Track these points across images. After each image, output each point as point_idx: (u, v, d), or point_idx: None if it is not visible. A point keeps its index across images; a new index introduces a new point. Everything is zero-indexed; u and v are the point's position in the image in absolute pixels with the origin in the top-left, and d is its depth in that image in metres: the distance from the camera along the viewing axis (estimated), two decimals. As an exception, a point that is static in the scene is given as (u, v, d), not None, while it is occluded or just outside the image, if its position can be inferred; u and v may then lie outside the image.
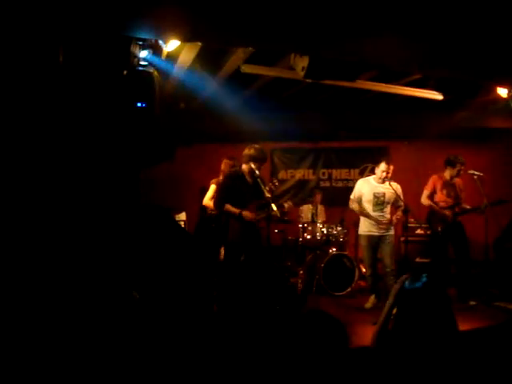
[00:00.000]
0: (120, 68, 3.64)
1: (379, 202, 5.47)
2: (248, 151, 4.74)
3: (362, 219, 5.57)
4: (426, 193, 5.94)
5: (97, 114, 3.38)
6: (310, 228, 6.37)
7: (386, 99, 6.71)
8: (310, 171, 8.20)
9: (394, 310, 2.37)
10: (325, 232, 6.34)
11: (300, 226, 6.43)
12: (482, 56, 4.15)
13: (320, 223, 6.46)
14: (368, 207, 5.51)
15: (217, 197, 4.84)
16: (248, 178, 4.80)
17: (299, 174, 8.16)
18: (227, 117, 6.55)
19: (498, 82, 5.11)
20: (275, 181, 4.92)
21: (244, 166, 4.82)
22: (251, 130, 6.79)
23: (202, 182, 7.01)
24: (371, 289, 5.61)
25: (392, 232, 5.52)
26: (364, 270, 5.94)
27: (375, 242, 5.48)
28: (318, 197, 7.18)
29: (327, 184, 8.17)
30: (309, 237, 6.32)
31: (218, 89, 5.91)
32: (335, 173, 8.18)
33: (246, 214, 4.62)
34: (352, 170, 8.13)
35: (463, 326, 4.83)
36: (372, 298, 5.54)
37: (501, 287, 6.02)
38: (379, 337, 2.34)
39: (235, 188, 4.72)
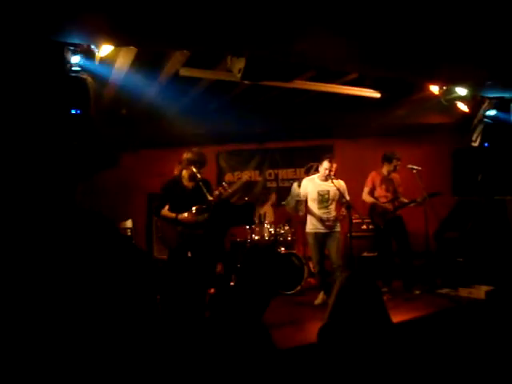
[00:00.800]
0: (53, 74, 3.54)
1: (324, 199, 5.58)
2: (186, 155, 4.68)
3: (309, 217, 5.66)
4: (366, 190, 6.12)
5: (28, 121, 3.27)
6: (257, 229, 6.41)
7: (329, 98, 6.85)
8: (257, 172, 8.26)
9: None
10: (272, 232, 6.39)
11: (247, 227, 6.44)
12: (413, 55, 4.31)
13: (267, 224, 6.51)
14: (313, 205, 5.60)
15: (155, 204, 4.76)
16: (186, 183, 4.73)
17: (246, 175, 8.19)
18: (171, 121, 6.51)
19: (429, 80, 5.32)
20: (225, 184, 4.86)
21: (184, 172, 4.75)
22: (196, 134, 6.78)
23: (149, 189, 6.93)
24: (320, 285, 5.70)
25: (338, 229, 5.64)
26: (312, 267, 6.04)
27: (322, 239, 5.58)
28: (273, 197, 7.28)
29: (274, 184, 8.25)
30: (257, 238, 6.36)
31: (160, 93, 5.86)
32: (281, 173, 8.26)
33: (183, 216, 4.53)
34: (298, 170, 8.23)
35: (409, 315, 5.05)
36: (321, 294, 5.63)
37: (443, 275, 6.28)
38: (321, 333, 2.40)
39: (173, 194, 4.65)
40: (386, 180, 6.10)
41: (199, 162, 4.63)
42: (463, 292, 5.71)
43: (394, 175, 6.16)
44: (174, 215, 4.56)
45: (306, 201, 5.68)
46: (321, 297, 5.61)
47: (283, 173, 8.29)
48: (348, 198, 5.61)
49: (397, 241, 6.05)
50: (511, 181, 6.39)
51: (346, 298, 2.34)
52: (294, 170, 8.29)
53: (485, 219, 6.39)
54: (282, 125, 7.47)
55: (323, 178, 5.56)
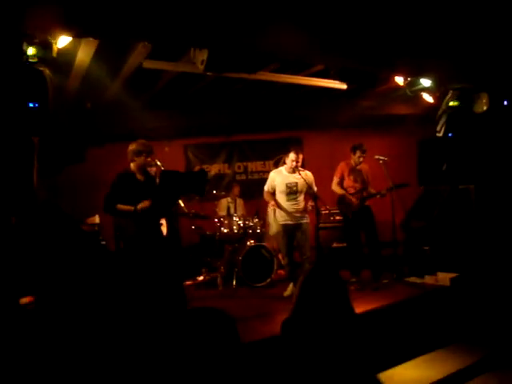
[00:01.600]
0: (7, 66, 3.43)
1: (292, 191, 5.59)
2: (131, 147, 4.55)
3: (277, 209, 5.66)
4: (335, 180, 6.15)
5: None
6: (226, 222, 6.38)
7: (297, 90, 6.85)
8: (226, 165, 8.22)
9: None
10: (242, 225, 6.38)
11: (216, 220, 6.42)
12: (376, 47, 4.35)
13: (236, 216, 6.50)
14: (282, 197, 5.61)
15: (106, 199, 4.51)
16: (138, 176, 4.59)
17: (215, 168, 8.16)
18: (136, 115, 6.41)
19: (393, 72, 5.37)
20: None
21: (132, 165, 4.58)
22: (163, 127, 6.70)
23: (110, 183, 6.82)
24: (289, 277, 5.73)
25: (307, 220, 5.66)
26: (282, 259, 6.06)
27: (291, 231, 5.60)
28: (236, 190, 7.21)
29: (243, 177, 8.23)
30: (226, 231, 6.34)
31: (125, 86, 5.77)
32: (250, 165, 8.26)
33: (141, 204, 4.36)
34: (267, 162, 8.25)
35: (377, 303, 5.12)
36: (290, 286, 5.65)
37: (410, 264, 6.38)
38: (285, 325, 2.40)
39: (125, 188, 4.46)
40: (355, 171, 6.15)
41: (145, 151, 4.48)
42: (429, 280, 5.83)
43: (363, 166, 6.20)
44: (132, 207, 4.37)
45: (273, 193, 5.69)
46: (290, 288, 5.64)
47: (252, 165, 8.29)
48: (315, 189, 5.63)
49: (365, 231, 6.11)
50: (474, 170, 6.53)
51: (310, 290, 2.34)
52: (263, 162, 8.30)
53: (450, 208, 6.51)
54: (250, 117, 7.45)
55: (290, 169, 5.57)
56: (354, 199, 5.99)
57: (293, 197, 5.59)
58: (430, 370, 4.15)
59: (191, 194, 4.67)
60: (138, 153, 4.51)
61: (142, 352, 2.83)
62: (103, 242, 5.87)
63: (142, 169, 4.56)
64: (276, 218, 5.77)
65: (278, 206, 5.61)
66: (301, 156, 5.55)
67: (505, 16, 3.91)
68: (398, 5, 3.68)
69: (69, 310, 2.79)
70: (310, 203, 5.58)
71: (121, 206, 4.45)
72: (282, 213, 5.61)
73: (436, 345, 4.53)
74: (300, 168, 5.56)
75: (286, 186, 5.58)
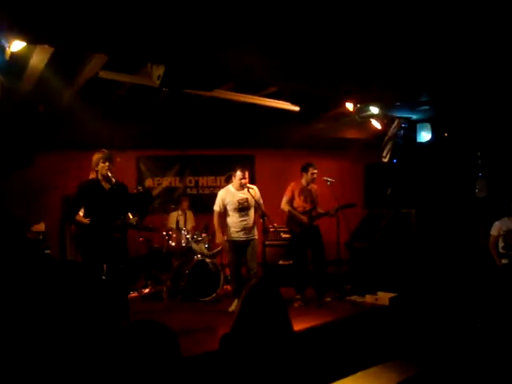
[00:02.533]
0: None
1: (244, 207, 5.70)
2: (94, 157, 4.60)
3: (228, 226, 5.75)
4: (285, 199, 6.29)
5: None
6: (174, 235, 6.40)
7: (251, 109, 6.98)
8: (177, 179, 8.22)
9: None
10: (190, 239, 6.41)
11: (164, 233, 6.41)
12: (327, 73, 4.55)
13: (185, 230, 6.52)
14: (234, 215, 5.70)
15: (68, 207, 4.60)
16: (104, 185, 4.60)
17: (166, 181, 8.14)
18: (89, 124, 6.32)
19: (343, 98, 5.61)
20: (140, 187, 4.81)
21: (98, 175, 4.61)
22: (116, 137, 6.64)
23: (63, 191, 6.70)
24: (235, 292, 5.79)
25: (256, 236, 5.78)
26: (229, 274, 6.11)
27: (241, 247, 5.69)
28: (185, 203, 7.22)
29: (194, 191, 8.25)
30: (173, 244, 6.34)
31: (79, 94, 5.71)
32: (202, 180, 8.28)
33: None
34: (218, 178, 8.31)
35: (318, 321, 5.24)
36: (235, 301, 5.70)
37: (352, 283, 6.59)
38: (223, 341, 2.46)
39: (89, 196, 4.52)
40: (305, 191, 6.30)
41: (105, 158, 4.52)
42: (370, 299, 6.05)
43: (313, 186, 6.38)
44: (86, 220, 4.46)
45: (224, 212, 5.77)
46: (235, 304, 5.69)
47: (203, 180, 8.33)
48: (261, 202, 5.78)
49: (312, 249, 6.27)
50: (416, 195, 6.87)
51: (251, 305, 2.40)
52: (214, 177, 8.35)
53: (392, 230, 6.79)
54: (204, 133, 7.52)
55: (238, 187, 5.69)
56: (304, 218, 6.15)
57: (244, 212, 5.70)
58: (369, 384, 4.31)
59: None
60: (96, 162, 4.55)
61: (80, 364, 2.81)
62: (48, 251, 5.74)
63: (106, 177, 4.55)
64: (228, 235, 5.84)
65: (230, 222, 5.72)
66: (246, 173, 5.69)
67: (448, 51, 4.15)
68: (349, 37, 3.87)
69: (8, 317, 2.74)
70: (260, 220, 5.70)
71: (79, 218, 4.54)
72: (233, 229, 5.70)
73: (374, 361, 4.70)
74: (248, 184, 5.69)
75: (238, 202, 5.68)
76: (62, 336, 3.18)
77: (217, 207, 5.80)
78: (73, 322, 3.58)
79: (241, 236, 5.68)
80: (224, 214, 5.78)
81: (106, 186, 4.60)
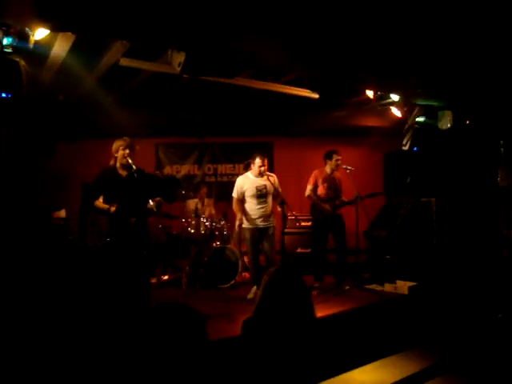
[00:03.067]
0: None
1: (262, 194, 5.69)
2: (114, 144, 4.64)
3: (247, 213, 5.76)
4: (309, 187, 6.27)
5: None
6: (193, 222, 6.43)
7: (271, 97, 6.94)
8: (196, 166, 8.25)
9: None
10: (208, 226, 6.44)
11: (183, 220, 6.45)
12: (348, 61, 4.49)
13: (204, 217, 6.54)
14: (252, 202, 5.70)
15: (86, 195, 4.66)
16: (121, 172, 4.66)
17: (185, 169, 8.18)
18: (109, 111, 6.38)
19: (364, 85, 5.55)
20: (158, 172, 4.83)
21: (117, 162, 4.66)
22: (135, 125, 6.67)
23: (84, 178, 6.77)
24: (253, 280, 5.81)
25: (274, 224, 5.78)
26: (247, 262, 6.13)
27: (258, 235, 5.69)
28: (203, 191, 7.25)
29: (213, 179, 8.28)
30: (192, 231, 6.38)
31: (100, 81, 5.74)
32: (220, 168, 8.31)
33: (113, 208, 4.47)
34: (237, 165, 8.32)
35: (337, 309, 5.24)
36: (254, 288, 5.73)
37: (371, 272, 6.57)
38: (245, 326, 2.47)
39: (107, 183, 4.58)
40: (329, 178, 6.27)
41: (127, 145, 4.56)
42: (389, 287, 6.02)
43: (337, 174, 6.35)
44: (106, 206, 4.50)
45: (242, 200, 5.77)
46: (253, 291, 5.71)
47: (222, 168, 8.35)
48: (280, 190, 5.73)
49: (335, 238, 6.26)
50: (436, 184, 6.78)
51: (273, 291, 2.41)
52: (232, 165, 8.37)
53: (412, 219, 6.73)
54: (223, 120, 7.51)
55: (257, 174, 5.68)
56: (327, 206, 6.13)
57: (263, 199, 5.69)
58: (386, 373, 4.28)
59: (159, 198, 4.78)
60: (116, 149, 4.59)
61: (110, 346, 2.85)
62: (69, 237, 5.83)
63: (125, 164, 4.58)
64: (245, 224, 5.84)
65: (246, 214, 5.72)
66: (266, 160, 5.68)
67: (470, 37, 4.08)
68: (371, 22, 3.81)
69: (38, 303, 2.79)
70: (279, 208, 5.69)
71: (97, 203, 4.56)
72: (251, 217, 5.70)
73: (393, 350, 4.69)
74: (267, 172, 5.68)
75: (256, 189, 5.68)
76: (87, 319, 3.24)
77: (235, 194, 5.80)
78: (98, 304, 3.64)
79: (259, 223, 5.68)
80: (242, 201, 5.78)
81: (124, 173, 4.64)
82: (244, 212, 5.75)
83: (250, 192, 5.71)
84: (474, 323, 5.39)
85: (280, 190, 5.77)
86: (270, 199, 5.76)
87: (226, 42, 3.68)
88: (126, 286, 3.93)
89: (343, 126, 7.77)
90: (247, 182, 5.75)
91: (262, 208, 5.68)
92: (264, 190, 5.70)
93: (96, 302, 3.16)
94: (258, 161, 5.63)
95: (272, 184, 5.61)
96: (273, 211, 5.79)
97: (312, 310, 2.42)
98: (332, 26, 3.73)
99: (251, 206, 5.71)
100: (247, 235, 5.76)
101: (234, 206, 5.83)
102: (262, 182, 5.69)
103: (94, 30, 3.46)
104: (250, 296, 5.70)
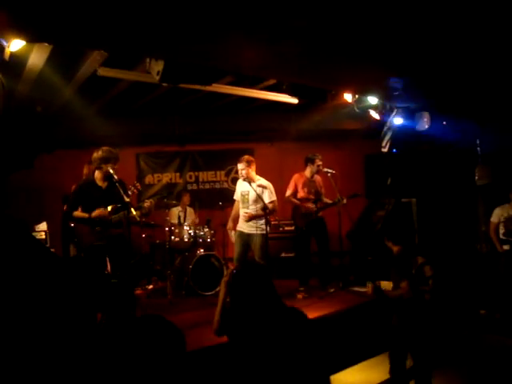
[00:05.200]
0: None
1: (244, 199, 5.72)
2: (97, 155, 4.57)
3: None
4: (288, 192, 6.32)
5: None
6: (177, 231, 6.41)
7: (250, 103, 6.99)
8: (177, 174, 8.24)
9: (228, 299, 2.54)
10: (192, 234, 6.43)
11: (167, 229, 6.43)
12: (325, 65, 4.54)
13: (187, 225, 6.53)
14: (239, 205, 5.81)
15: (67, 205, 4.63)
16: (100, 184, 4.63)
17: (166, 177, 8.15)
18: (88, 121, 6.35)
19: (342, 89, 5.61)
20: (137, 184, 4.82)
21: (97, 172, 4.64)
22: (115, 135, 6.65)
23: (64, 190, 6.70)
24: None
25: (259, 233, 5.66)
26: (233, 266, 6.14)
27: (245, 239, 5.72)
28: (186, 199, 7.24)
29: (194, 187, 8.27)
30: (176, 239, 6.36)
31: (78, 91, 5.71)
32: (202, 175, 8.31)
33: (96, 212, 4.45)
34: (218, 172, 8.33)
35: (324, 311, 5.27)
36: None
37: (355, 273, 6.62)
38: (220, 326, 2.49)
39: (85, 195, 4.56)
40: (309, 182, 6.33)
41: (113, 158, 4.55)
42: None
43: (317, 177, 6.41)
44: (86, 215, 4.47)
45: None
46: None
47: (204, 175, 8.35)
48: (268, 200, 5.63)
49: (317, 241, 6.30)
50: (416, 184, 6.89)
51: (237, 291, 2.42)
52: (214, 172, 8.37)
53: (393, 220, 6.81)
54: (203, 127, 7.53)
55: (243, 179, 5.73)
56: (310, 205, 6.16)
57: (245, 205, 5.72)
58: (374, 373, 4.38)
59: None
60: (106, 160, 4.53)
61: (89, 357, 2.83)
62: (51, 250, 5.76)
63: (107, 177, 4.56)
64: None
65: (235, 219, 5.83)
66: (243, 164, 5.69)
67: (446, 38, 4.15)
68: (348, 26, 3.86)
69: (19, 316, 2.76)
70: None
71: (77, 213, 4.54)
72: (240, 220, 5.78)
73: (378, 350, 4.75)
74: (257, 178, 5.74)
75: (241, 194, 5.74)
76: (66, 332, 3.20)
77: (235, 196, 5.98)
78: (76, 317, 3.59)
79: (244, 228, 5.71)
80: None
81: (104, 184, 4.62)
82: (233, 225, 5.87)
83: (237, 195, 5.86)
84: (457, 320, 5.48)
85: (267, 199, 5.65)
86: (252, 206, 5.75)
87: (204, 49, 3.70)
88: (109, 296, 3.90)
89: (323, 129, 7.84)
90: (238, 186, 5.89)
91: (245, 213, 5.70)
92: (246, 196, 5.72)
93: (76, 316, 3.13)
94: (239, 166, 5.69)
95: (254, 190, 5.60)
96: (260, 218, 5.69)
97: (280, 301, 2.40)
98: (308, 31, 3.77)
99: (239, 209, 5.80)
100: (236, 237, 5.82)
101: (233, 208, 5.99)
102: (246, 187, 5.72)
103: (70, 40, 3.45)
104: None
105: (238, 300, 2.38)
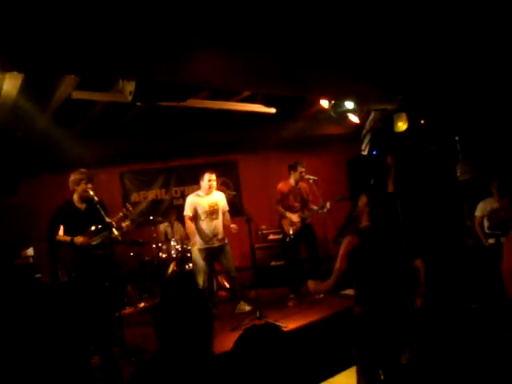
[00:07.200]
0: None
1: (214, 210, 5.74)
2: (73, 177, 4.64)
3: (198, 234, 5.78)
4: (274, 202, 6.36)
5: None
6: (164, 247, 6.43)
7: (229, 115, 7.04)
8: (163, 191, 8.22)
9: None
10: (180, 249, 6.44)
11: (154, 246, 6.44)
12: (298, 73, 4.58)
13: (174, 241, 6.55)
14: (205, 220, 5.74)
15: (47, 230, 4.65)
16: (79, 205, 4.67)
17: (152, 194, 8.14)
18: (70, 144, 6.35)
19: (317, 96, 5.67)
20: (128, 206, 4.86)
21: (74, 195, 4.69)
22: (96, 156, 6.66)
23: (49, 214, 6.68)
24: (212, 299, 5.89)
25: (227, 241, 5.82)
26: (202, 282, 5.83)
27: (213, 254, 5.73)
28: (173, 215, 7.26)
29: (181, 202, 8.23)
30: (164, 256, 6.38)
31: (55, 117, 5.73)
32: (187, 190, 8.27)
33: (78, 239, 4.47)
34: (204, 186, 8.33)
35: (315, 317, 5.29)
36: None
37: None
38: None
39: (65, 218, 4.59)
40: (294, 190, 6.36)
41: (85, 179, 4.59)
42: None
43: (302, 184, 6.44)
44: (68, 239, 4.49)
45: (193, 218, 5.81)
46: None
47: (189, 190, 8.28)
48: (228, 208, 5.87)
49: (307, 247, 6.34)
50: (399, 184, 6.94)
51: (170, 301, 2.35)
52: (199, 186, 8.35)
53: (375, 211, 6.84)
54: (186, 142, 7.55)
55: (207, 191, 5.75)
56: (294, 217, 6.19)
57: (215, 216, 5.74)
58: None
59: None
60: (77, 182, 4.59)
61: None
62: (38, 275, 5.75)
63: (84, 197, 4.57)
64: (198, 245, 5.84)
65: (201, 229, 5.76)
66: (214, 175, 5.81)
67: (418, 37, 4.19)
68: (317, 32, 3.89)
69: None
70: (233, 225, 5.74)
71: (59, 237, 4.55)
72: (204, 237, 5.74)
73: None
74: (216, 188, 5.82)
75: (209, 206, 5.74)
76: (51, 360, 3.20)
77: (189, 212, 5.79)
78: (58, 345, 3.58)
79: (214, 242, 5.73)
80: (195, 220, 5.79)
81: (83, 206, 4.64)
82: (198, 232, 5.76)
83: (202, 209, 5.75)
84: (448, 314, 5.51)
85: (227, 206, 5.86)
86: (221, 216, 5.80)
87: (170, 67, 3.73)
88: (88, 321, 3.89)
89: (304, 136, 7.87)
90: (199, 200, 5.80)
91: (215, 226, 5.72)
92: (216, 207, 5.77)
93: (62, 345, 3.14)
94: (207, 176, 5.73)
95: (221, 200, 5.72)
96: (224, 228, 5.81)
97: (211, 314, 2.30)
98: (278, 41, 3.81)
99: (203, 225, 5.73)
100: (202, 256, 5.76)
101: (189, 225, 5.80)
102: (213, 199, 5.77)
103: (40, 67, 3.47)
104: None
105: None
